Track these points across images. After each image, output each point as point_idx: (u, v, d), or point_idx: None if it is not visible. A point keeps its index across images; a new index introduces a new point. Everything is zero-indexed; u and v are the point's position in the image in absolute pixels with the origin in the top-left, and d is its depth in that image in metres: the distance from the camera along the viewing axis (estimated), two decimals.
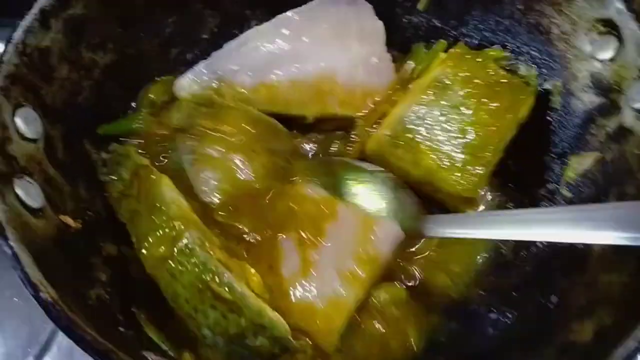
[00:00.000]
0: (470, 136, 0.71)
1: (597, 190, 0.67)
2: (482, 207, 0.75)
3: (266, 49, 0.74)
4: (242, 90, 0.73)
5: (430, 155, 0.70)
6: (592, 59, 0.69)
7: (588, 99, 0.70)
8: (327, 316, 0.61)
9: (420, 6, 0.81)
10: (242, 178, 0.68)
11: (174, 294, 0.55)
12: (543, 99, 0.76)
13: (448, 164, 0.70)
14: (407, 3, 0.82)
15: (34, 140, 0.59)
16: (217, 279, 0.55)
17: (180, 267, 0.55)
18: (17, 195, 0.53)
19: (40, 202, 0.56)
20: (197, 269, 0.55)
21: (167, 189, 0.62)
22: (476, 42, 0.81)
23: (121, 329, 0.56)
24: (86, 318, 0.50)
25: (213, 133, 0.69)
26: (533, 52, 0.76)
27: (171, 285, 0.55)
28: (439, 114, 0.72)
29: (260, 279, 0.61)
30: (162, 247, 0.56)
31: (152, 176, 0.63)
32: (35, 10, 0.61)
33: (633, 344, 0.47)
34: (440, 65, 0.75)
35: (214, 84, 0.73)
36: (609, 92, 0.68)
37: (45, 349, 0.74)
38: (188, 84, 0.73)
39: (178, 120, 0.70)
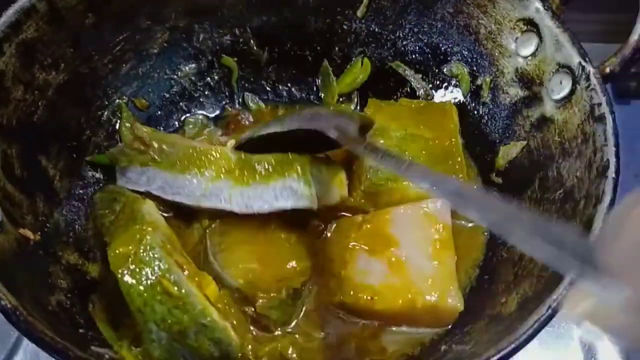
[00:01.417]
0: (432, 150, 0.75)
1: (523, 176, 0.73)
2: None
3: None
4: None
5: (413, 185, 0.72)
6: (516, 55, 0.75)
7: (514, 92, 0.76)
8: (442, 290, 0.65)
9: (359, 13, 0.86)
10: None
11: (129, 287, 0.58)
12: (475, 94, 0.81)
13: None
14: (346, 11, 0.86)
15: None
16: (167, 275, 0.59)
17: (140, 263, 0.59)
18: None
19: None
20: (153, 264, 0.59)
21: (147, 207, 0.67)
22: (413, 46, 0.86)
23: (81, 330, 0.60)
24: (47, 322, 0.53)
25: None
26: (464, 52, 0.82)
27: (128, 280, 0.58)
28: (395, 150, 0.74)
29: (216, 288, 0.64)
30: (129, 246, 0.60)
31: (137, 200, 0.69)
32: None
33: (544, 309, 0.52)
34: None
35: None
36: (531, 85, 0.73)
37: (12, 352, 0.78)
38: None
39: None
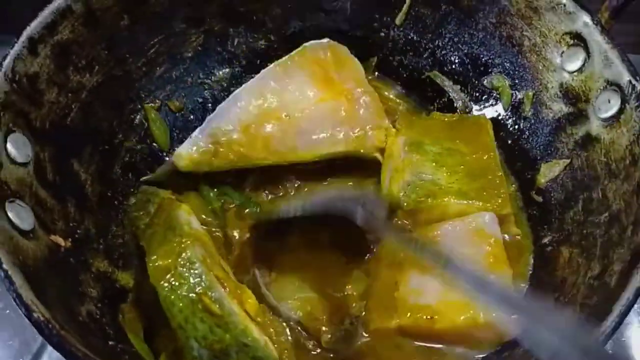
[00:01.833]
0: (470, 165, 0.73)
1: (566, 196, 0.71)
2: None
3: (256, 104, 0.76)
4: (240, 148, 0.74)
5: (454, 201, 0.70)
6: (562, 70, 0.73)
7: (558, 108, 0.73)
8: None
9: (398, 21, 0.84)
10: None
11: (170, 304, 0.58)
12: (516, 108, 0.79)
13: (474, 199, 0.71)
14: (385, 17, 0.84)
15: (24, 164, 0.61)
16: (209, 293, 0.58)
17: (180, 279, 0.58)
18: (8, 219, 0.55)
19: (31, 224, 0.58)
20: (193, 281, 0.58)
21: (183, 213, 0.67)
22: (453, 56, 0.84)
23: (111, 342, 0.59)
24: (77, 334, 0.52)
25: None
26: (506, 64, 0.79)
27: (169, 295, 0.58)
28: (432, 164, 0.73)
29: (257, 303, 0.63)
30: (168, 259, 0.59)
31: (173, 204, 0.69)
32: (23, 38, 0.63)
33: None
34: (397, 135, 0.78)
35: (210, 147, 0.74)
36: (577, 102, 0.71)
37: (36, 357, 0.77)
38: (187, 152, 0.74)
39: None
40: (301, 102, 0.77)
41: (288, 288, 0.68)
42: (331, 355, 0.66)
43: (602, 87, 0.67)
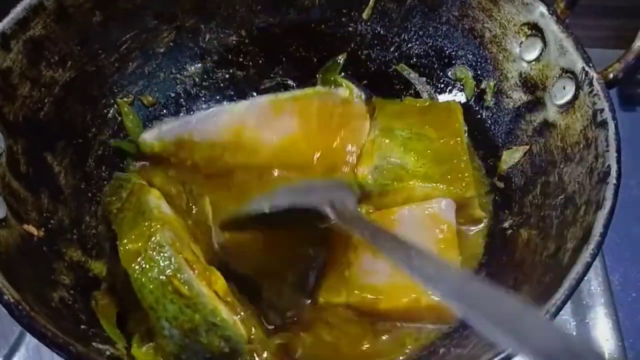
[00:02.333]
0: (438, 150, 0.75)
1: (525, 181, 0.73)
2: None
3: (231, 128, 0.76)
4: (201, 160, 0.76)
5: (420, 184, 0.73)
6: (521, 59, 0.75)
7: (517, 97, 0.76)
8: None
9: (365, 15, 0.86)
10: None
11: (141, 286, 0.59)
12: (478, 98, 0.81)
13: (439, 182, 0.73)
14: (352, 12, 0.86)
15: None
16: (178, 275, 0.60)
17: (150, 261, 0.60)
18: None
19: (4, 213, 0.59)
20: (163, 263, 0.60)
21: (153, 198, 0.68)
22: (418, 49, 0.86)
23: (83, 327, 0.60)
24: (49, 317, 0.54)
25: None
26: (469, 55, 0.82)
27: (140, 277, 0.60)
28: (401, 149, 0.75)
29: (225, 284, 0.65)
30: (139, 242, 0.61)
31: (144, 189, 0.70)
32: None
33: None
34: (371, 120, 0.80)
35: (172, 148, 0.76)
36: (535, 90, 0.73)
37: (13, 349, 0.79)
38: (150, 141, 0.77)
39: None
40: (276, 147, 0.76)
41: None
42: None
43: (557, 75, 0.70)
